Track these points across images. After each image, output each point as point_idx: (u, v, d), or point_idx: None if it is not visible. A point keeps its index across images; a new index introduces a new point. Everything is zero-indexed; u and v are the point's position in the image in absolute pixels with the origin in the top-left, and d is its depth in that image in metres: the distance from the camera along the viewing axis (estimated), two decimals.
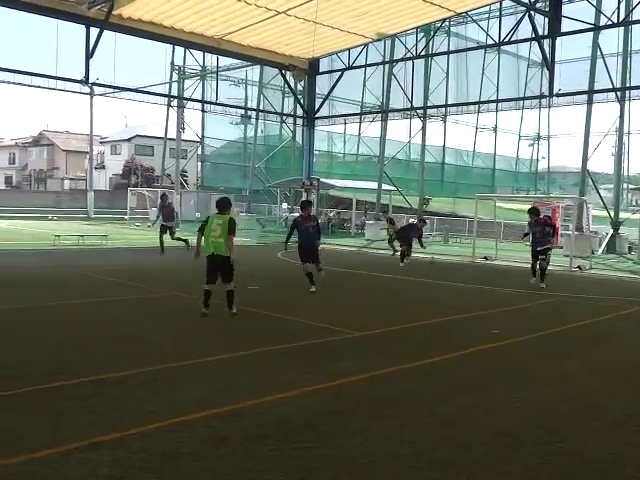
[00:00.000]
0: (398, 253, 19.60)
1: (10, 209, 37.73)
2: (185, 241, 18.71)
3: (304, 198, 29.19)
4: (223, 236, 8.78)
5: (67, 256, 18.04)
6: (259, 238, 29.01)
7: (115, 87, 28.10)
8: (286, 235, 12.56)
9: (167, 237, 18.94)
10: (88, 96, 40.31)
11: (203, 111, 47.27)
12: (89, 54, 22.01)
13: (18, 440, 4.38)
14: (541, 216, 14.53)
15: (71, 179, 66.46)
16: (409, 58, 27.73)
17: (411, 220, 23.86)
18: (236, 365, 6.67)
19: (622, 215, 27.45)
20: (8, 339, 7.50)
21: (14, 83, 23.95)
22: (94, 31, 21.85)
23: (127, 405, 5.21)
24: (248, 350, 7.24)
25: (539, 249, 14.02)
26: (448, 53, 34.46)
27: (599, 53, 27.66)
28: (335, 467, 4.17)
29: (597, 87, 27.26)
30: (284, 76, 29.61)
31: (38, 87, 24.72)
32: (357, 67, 28.41)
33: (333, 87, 29.39)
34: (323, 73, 29.68)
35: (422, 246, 19.68)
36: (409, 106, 33.17)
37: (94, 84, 24.68)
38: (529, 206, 16.94)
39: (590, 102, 27.54)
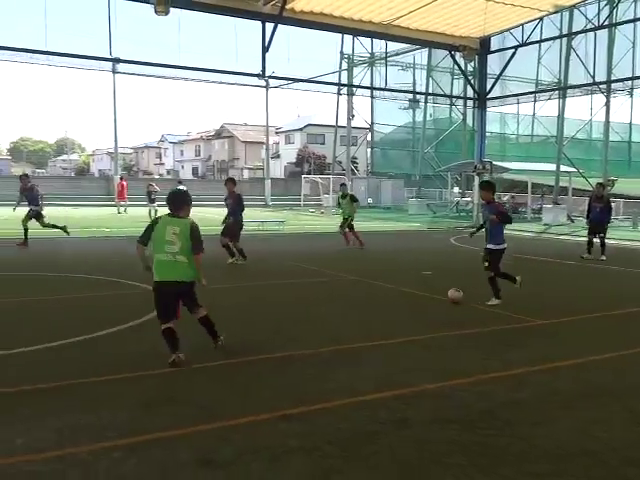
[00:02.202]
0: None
1: (197, 197, 40.84)
2: (63, 228, 16.86)
3: (477, 182, 28.47)
4: (184, 252, 5.84)
5: (251, 241, 19.19)
6: (430, 224, 28.79)
7: (289, 79, 29.28)
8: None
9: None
10: (264, 89, 42.46)
11: (372, 97, 47.77)
12: (265, 49, 23.09)
13: (214, 408, 4.78)
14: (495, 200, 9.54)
15: (249, 168, 70.42)
16: (590, 29, 25.93)
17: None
18: (414, 348, 6.72)
19: None
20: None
21: (201, 80, 25.90)
22: (269, 26, 22.90)
23: (311, 382, 5.46)
24: (425, 334, 7.26)
25: (489, 247, 9.15)
26: (634, 21, 31.60)
27: None
28: (520, 456, 4.07)
29: None
30: (454, 57, 28.94)
31: (220, 83, 26.49)
32: (532, 43, 26.95)
33: (506, 66, 28.20)
34: (495, 52, 28.57)
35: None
36: (590, 81, 30.96)
37: (270, 77, 25.89)
38: None
39: None
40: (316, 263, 13.78)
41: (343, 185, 19.57)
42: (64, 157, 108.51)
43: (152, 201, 28.53)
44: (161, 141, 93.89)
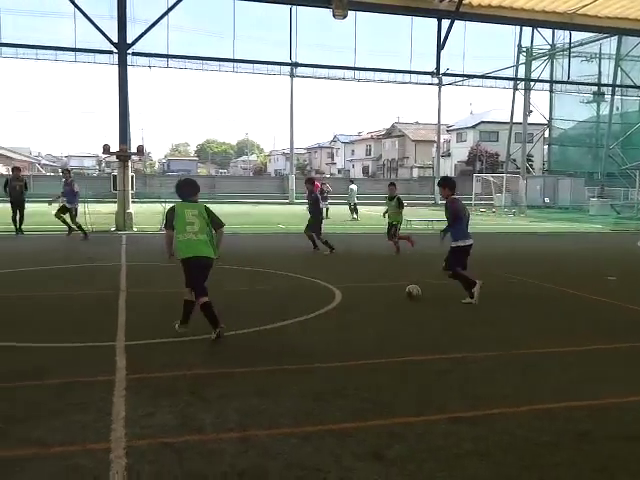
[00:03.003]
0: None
1: (368, 196, 41.58)
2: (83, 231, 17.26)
3: None
4: (203, 232, 6.56)
5: (421, 239, 19.11)
6: (614, 225, 26.77)
7: (463, 75, 28.71)
8: None
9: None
10: (437, 87, 41.99)
11: (551, 92, 45.38)
12: (440, 46, 22.85)
13: (384, 404, 4.82)
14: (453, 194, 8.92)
15: (419, 167, 70.11)
16: None
17: None
18: (596, 358, 6.29)
19: None
20: (382, 315, 8.31)
21: (374, 81, 26.25)
22: (445, 23, 22.61)
23: (484, 385, 5.32)
24: (608, 344, 6.75)
25: (452, 245, 8.94)
26: None
27: None
28: None
29: None
30: None
31: (394, 82, 26.61)
32: None
33: None
34: None
35: None
36: None
37: (444, 74, 25.59)
38: None
39: None
40: (486, 264, 13.36)
41: (392, 185, 15.97)
42: (244, 158, 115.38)
43: (324, 199, 29.46)
44: (333, 141, 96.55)
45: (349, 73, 26.01)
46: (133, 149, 21.21)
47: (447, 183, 9.10)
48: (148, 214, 20.78)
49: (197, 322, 7.55)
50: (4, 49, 22.29)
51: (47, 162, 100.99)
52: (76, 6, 19.46)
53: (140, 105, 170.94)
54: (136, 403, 4.71)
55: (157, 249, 15.73)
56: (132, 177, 20.90)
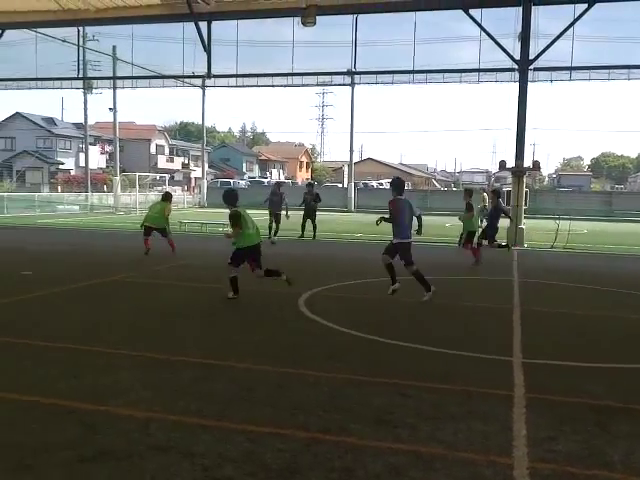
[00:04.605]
0: None
1: None
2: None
3: None
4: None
5: None
6: None
7: None
8: None
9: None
10: None
11: None
12: None
13: None
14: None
15: None
16: None
17: None
18: None
19: None
20: None
21: None
22: None
23: None
24: None
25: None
26: None
27: None
28: None
29: None
30: None
31: None
32: None
33: None
34: None
35: None
36: None
37: None
38: None
39: None
40: None
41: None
42: None
43: None
44: None
45: None
46: (525, 164, 21.02)
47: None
48: (539, 230, 20.38)
49: (583, 348, 7.13)
50: (397, 76, 24.57)
51: (442, 177, 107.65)
52: (482, 29, 20.18)
53: (534, 120, 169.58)
54: (537, 423, 4.61)
55: (552, 267, 15.31)
56: (526, 193, 20.73)
